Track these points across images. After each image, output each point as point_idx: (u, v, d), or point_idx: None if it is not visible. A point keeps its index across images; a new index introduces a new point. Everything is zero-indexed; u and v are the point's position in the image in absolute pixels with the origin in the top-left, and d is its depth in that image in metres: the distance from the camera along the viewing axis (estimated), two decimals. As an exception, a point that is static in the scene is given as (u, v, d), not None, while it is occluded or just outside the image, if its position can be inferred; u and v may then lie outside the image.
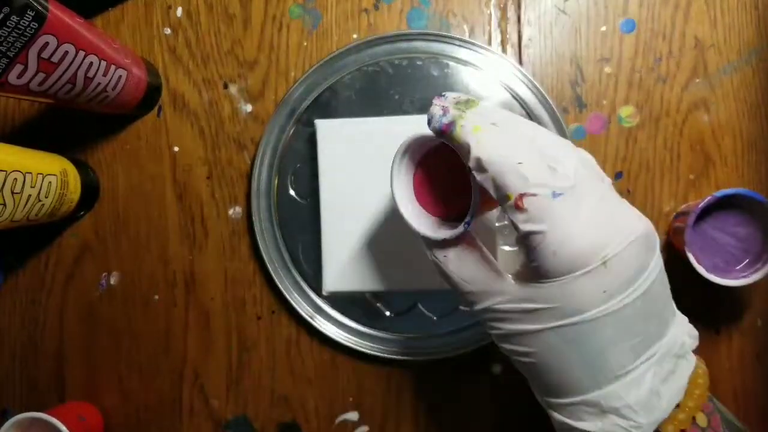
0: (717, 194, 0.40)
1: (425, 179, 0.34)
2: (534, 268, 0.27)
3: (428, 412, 0.47)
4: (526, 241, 0.26)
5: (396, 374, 0.47)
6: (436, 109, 0.30)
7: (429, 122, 0.30)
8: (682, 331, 0.29)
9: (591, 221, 0.26)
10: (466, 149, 0.28)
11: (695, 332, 0.30)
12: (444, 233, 0.30)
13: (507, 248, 0.44)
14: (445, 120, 0.29)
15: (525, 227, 0.26)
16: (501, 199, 0.27)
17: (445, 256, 0.30)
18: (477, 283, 0.29)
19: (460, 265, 0.30)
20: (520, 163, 0.26)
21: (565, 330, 0.27)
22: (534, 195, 0.26)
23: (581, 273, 0.26)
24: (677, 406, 0.28)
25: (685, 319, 0.30)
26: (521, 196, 0.26)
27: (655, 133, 0.46)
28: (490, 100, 0.45)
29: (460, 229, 0.29)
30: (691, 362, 0.29)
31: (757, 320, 0.45)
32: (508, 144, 0.27)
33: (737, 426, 0.30)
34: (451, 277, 0.30)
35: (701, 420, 0.28)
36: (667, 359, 0.27)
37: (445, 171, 0.33)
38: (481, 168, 0.27)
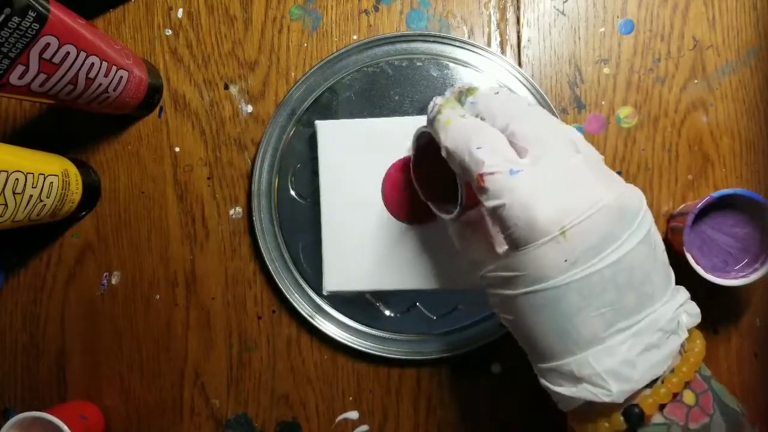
0: (715, 194, 0.40)
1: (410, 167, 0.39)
2: (507, 240, 0.29)
3: (428, 411, 0.47)
4: (495, 216, 0.29)
5: (396, 374, 0.47)
6: (430, 104, 0.33)
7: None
8: (675, 308, 0.29)
9: (550, 193, 0.27)
10: (439, 141, 0.31)
11: (696, 310, 0.30)
12: (447, 215, 0.36)
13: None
14: (431, 116, 0.33)
15: (489, 203, 0.28)
16: (470, 181, 0.30)
17: (453, 230, 0.36)
18: (476, 254, 0.33)
19: (463, 238, 0.35)
20: (479, 148, 0.29)
21: (534, 296, 0.28)
22: (492, 174, 0.28)
23: (542, 242, 0.27)
24: (662, 380, 0.28)
25: (687, 295, 0.30)
26: (481, 176, 0.28)
27: (653, 133, 0.46)
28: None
29: (457, 211, 0.34)
30: (682, 339, 0.28)
31: (755, 320, 0.45)
32: (469, 131, 0.30)
33: (732, 408, 0.29)
34: (458, 247, 0.36)
35: (689, 398, 0.28)
36: (650, 333, 0.27)
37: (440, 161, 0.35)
38: (449, 156, 0.31)
